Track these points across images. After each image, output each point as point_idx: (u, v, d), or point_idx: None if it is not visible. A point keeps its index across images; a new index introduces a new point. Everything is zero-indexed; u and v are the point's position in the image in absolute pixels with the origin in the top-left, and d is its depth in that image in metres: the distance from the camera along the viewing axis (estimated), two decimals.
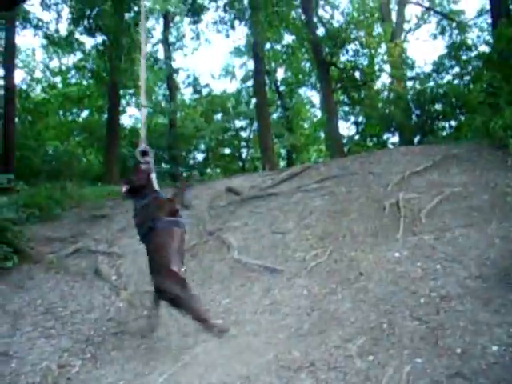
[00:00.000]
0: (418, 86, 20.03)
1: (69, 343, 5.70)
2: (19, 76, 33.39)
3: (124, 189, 5.89)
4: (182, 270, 5.50)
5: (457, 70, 18.65)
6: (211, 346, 4.99)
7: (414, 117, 18.97)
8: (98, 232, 9.84)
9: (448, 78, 18.85)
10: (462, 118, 17.62)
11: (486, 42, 17.86)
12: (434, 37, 24.13)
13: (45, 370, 5.07)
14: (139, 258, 7.58)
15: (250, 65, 25.67)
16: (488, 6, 17.43)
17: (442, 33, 23.69)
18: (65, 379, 4.86)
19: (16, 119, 21.22)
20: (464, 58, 18.27)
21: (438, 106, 18.16)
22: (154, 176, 6.06)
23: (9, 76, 19.42)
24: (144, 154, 6.15)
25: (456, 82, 18.28)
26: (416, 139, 18.57)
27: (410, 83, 22.25)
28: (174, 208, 5.69)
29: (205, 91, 29.75)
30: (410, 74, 22.90)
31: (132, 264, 7.88)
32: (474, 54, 18.14)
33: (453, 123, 18.52)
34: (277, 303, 5.79)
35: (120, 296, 6.93)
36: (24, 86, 26.61)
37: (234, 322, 5.56)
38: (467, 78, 17.95)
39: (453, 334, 4.33)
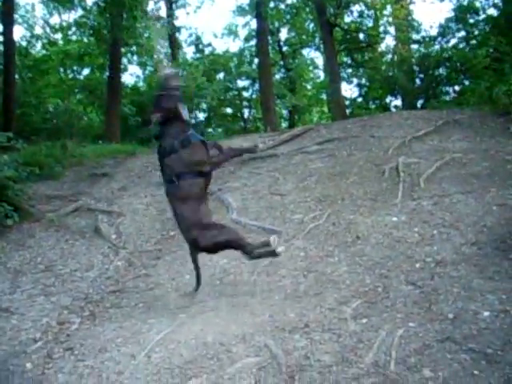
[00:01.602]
0: (422, 50, 19.83)
1: (68, 301, 5.79)
2: (18, 32, 33.09)
3: (153, 118, 5.24)
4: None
5: (463, 33, 18.38)
6: (208, 305, 5.06)
7: (417, 80, 18.86)
8: (98, 191, 9.88)
9: (454, 41, 18.60)
10: (466, 83, 17.49)
11: (495, 5, 17.53)
12: None
13: (45, 326, 5.16)
14: (139, 217, 7.66)
15: (253, 24, 25.31)
16: None
17: None
18: (64, 335, 4.95)
19: (16, 76, 21.04)
20: (471, 21, 17.96)
21: (442, 71, 18.01)
22: (181, 105, 5.22)
23: (7, 31, 19.18)
24: (165, 81, 5.34)
25: (461, 46, 18.04)
26: (419, 103, 18.47)
27: (414, 46, 22.01)
28: (205, 160, 5.13)
29: (207, 50, 29.44)
30: (415, 36, 22.58)
31: (132, 223, 7.94)
32: (481, 17, 17.85)
33: (456, 88, 18.38)
34: (274, 264, 5.82)
35: (119, 255, 7.00)
36: (24, 43, 26.32)
37: (230, 283, 5.63)
38: (473, 42, 17.71)
39: (446, 300, 4.37)
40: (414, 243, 5.64)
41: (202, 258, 6.24)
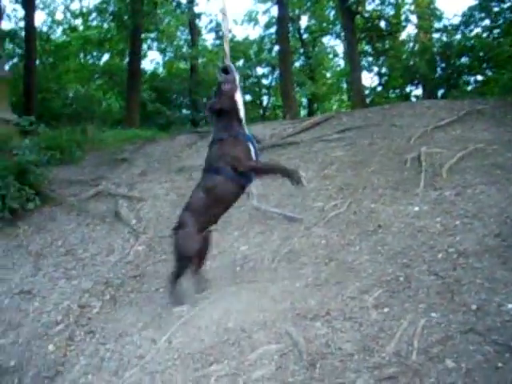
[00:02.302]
0: (444, 38, 19.55)
1: (89, 284, 5.83)
2: (40, 18, 33.21)
3: (206, 112, 5.24)
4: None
5: (487, 22, 17.95)
6: (228, 291, 5.07)
7: (438, 70, 18.61)
8: (118, 176, 9.90)
9: (477, 30, 18.13)
10: (489, 73, 17.25)
11: None
12: None
13: (66, 309, 5.21)
14: (159, 202, 7.68)
15: (274, 11, 25.15)
16: None
17: None
18: (86, 319, 5.00)
19: (37, 62, 21.15)
20: (495, 9, 17.62)
21: (464, 60, 17.76)
22: (239, 98, 5.09)
23: (29, 17, 19.28)
24: (225, 71, 5.17)
25: (485, 35, 17.70)
26: (440, 93, 18.27)
27: (436, 35, 21.69)
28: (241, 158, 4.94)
29: None
30: (437, 25, 22.20)
31: (152, 208, 7.95)
32: (506, 5, 17.50)
33: (479, 78, 18.13)
34: (295, 252, 5.82)
35: (139, 240, 7.03)
36: (45, 28, 26.47)
37: (251, 269, 5.63)
38: (497, 31, 17.38)
39: (469, 291, 4.32)
40: (436, 233, 5.57)
41: (223, 244, 6.29)
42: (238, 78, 5.12)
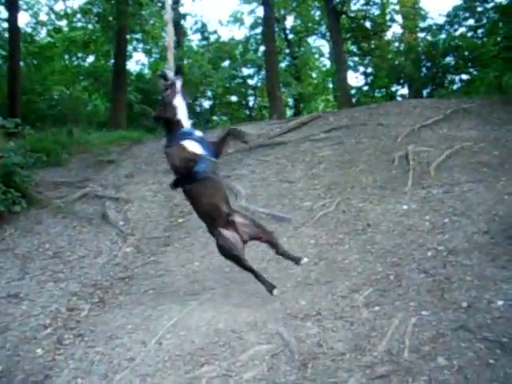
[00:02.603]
0: (429, 38, 19.65)
1: (77, 287, 5.78)
2: (23, 19, 32.93)
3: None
4: None
5: (471, 22, 18.08)
6: (218, 292, 5.05)
7: (424, 69, 18.70)
8: (104, 177, 9.85)
9: (462, 30, 18.28)
10: (474, 72, 17.35)
11: None
12: None
13: (54, 312, 5.16)
14: (146, 203, 7.64)
15: (259, 12, 25.18)
16: None
17: None
18: (74, 322, 4.95)
19: (21, 63, 20.98)
20: (479, 9, 17.71)
21: (449, 59, 17.86)
22: (179, 102, 4.94)
23: (13, 18, 19.11)
24: (163, 78, 5.12)
25: (470, 34, 17.81)
26: (425, 92, 18.35)
27: (421, 35, 21.83)
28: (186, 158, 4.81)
29: (213, 38, 29.35)
30: (422, 25, 22.38)
31: (139, 210, 7.92)
32: (490, 5, 17.59)
33: (464, 77, 18.24)
34: None
35: (127, 241, 6.98)
36: (29, 30, 26.24)
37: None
38: (481, 30, 17.48)
39: (459, 288, 4.34)
40: (425, 231, 5.60)
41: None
42: (178, 82, 5.02)
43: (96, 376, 3.95)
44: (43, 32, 27.46)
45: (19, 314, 5.17)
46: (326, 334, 4.02)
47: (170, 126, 4.99)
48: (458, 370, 3.36)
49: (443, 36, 18.35)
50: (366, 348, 3.76)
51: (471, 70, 17.73)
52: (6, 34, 20.36)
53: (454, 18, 17.98)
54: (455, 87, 18.43)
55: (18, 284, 5.90)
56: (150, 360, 4.03)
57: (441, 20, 19.32)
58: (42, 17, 26.99)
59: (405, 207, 6.29)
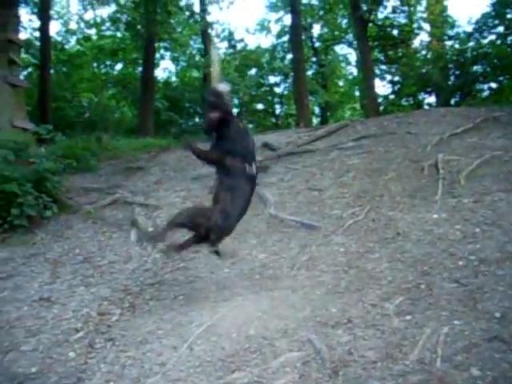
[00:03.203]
0: (457, 46, 19.53)
1: (107, 292, 5.81)
2: (54, 27, 33.46)
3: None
4: None
5: (501, 29, 17.97)
6: (248, 299, 5.05)
7: (452, 77, 18.57)
8: (134, 184, 9.95)
9: (491, 37, 18.17)
10: (504, 81, 17.17)
11: None
12: None
13: (86, 316, 5.19)
14: (175, 210, 7.64)
15: (286, 20, 25.29)
16: None
17: None
18: (105, 326, 4.98)
19: (51, 71, 21.32)
20: (509, 16, 17.57)
21: (478, 67, 17.71)
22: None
23: (44, 28, 19.46)
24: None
25: (499, 42, 17.66)
26: (453, 101, 18.21)
27: (449, 43, 21.70)
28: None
29: (239, 46, 29.54)
30: (450, 32, 22.25)
31: (168, 216, 7.95)
32: None
33: (493, 85, 18.05)
34: (314, 259, 5.81)
35: (157, 247, 7.02)
36: (59, 38, 26.66)
37: (270, 277, 5.61)
38: (511, 38, 17.34)
39: (492, 298, 4.30)
40: (455, 241, 5.55)
41: (241, 252, 6.29)
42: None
43: (128, 380, 3.97)
44: (73, 40, 27.91)
45: (51, 317, 5.22)
46: (357, 342, 4.00)
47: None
48: (491, 381, 3.32)
49: (472, 44, 18.22)
50: (397, 357, 3.73)
51: (500, 78, 17.54)
52: (37, 43, 20.70)
53: (482, 25, 17.86)
54: (484, 96, 18.26)
55: (50, 288, 5.95)
56: (181, 365, 4.04)
57: (469, 28, 19.22)
58: (72, 25, 27.43)
59: (435, 216, 6.25)
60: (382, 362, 3.70)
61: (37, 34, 22.54)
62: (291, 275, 5.51)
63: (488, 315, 4.05)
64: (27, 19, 23.25)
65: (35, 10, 21.91)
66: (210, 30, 26.00)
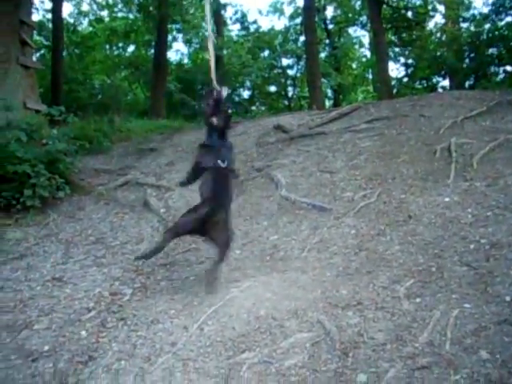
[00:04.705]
0: (472, 28, 19.26)
1: (119, 272, 5.86)
2: (67, 9, 33.43)
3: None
4: None
5: None
6: (259, 280, 5.07)
7: (467, 60, 18.35)
8: (146, 165, 9.97)
9: (508, 19, 17.86)
10: None
11: None
12: None
13: (98, 296, 5.24)
14: (187, 191, 7.66)
15: (299, 2, 25.08)
16: None
17: None
18: (117, 306, 5.02)
19: (64, 53, 21.33)
20: None
21: (493, 50, 17.47)
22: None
23: (57, 9, 19.43)
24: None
25: None
26: (467, 84, 18.01)
27: (464, 25, 21.40)
28: None
29: (252, 28, 29.36)
30: (465, 14, 21.93)
31: (180, 197, 7.97)
32: None
33: (508, 68, 17.82)
34: (324, 241, 5.82)
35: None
36: (71, 20, 26.64)
37: (281, 258, 5.63)
38: None
39: (502, 282, 4.29)
40: (467, 224, 5.52)
41: (252, 233, 6.30)
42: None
43: (139, 359, 4.01)
44: (85, 22, 27.85)
45: (63, 296, 5.27)
46: (366, 324, 4.02)
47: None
48: (501, 364, 3.33)
49: (487, 26, 17.95)
50: (407, 339, 3.75)
51: None
52: (50, 25, 20.68)
53: (499, 6, 17.55)
54: (499, 79, 18.04)
55: (62, 268, 6.00)
56: (192, 345, 4.08)
57: (485, 9, 18.92)
58: (85, 7, 27.36)
59: (447, 199, 6.21)
60: (392, 344, 3.72)
61: (49, 15, 22.52)
62: (302, 257, 5.53)
63: (498, 299, 4.06)
64: (39, 1, 23.22)
65: None
66: (222, 12, 25.89)
